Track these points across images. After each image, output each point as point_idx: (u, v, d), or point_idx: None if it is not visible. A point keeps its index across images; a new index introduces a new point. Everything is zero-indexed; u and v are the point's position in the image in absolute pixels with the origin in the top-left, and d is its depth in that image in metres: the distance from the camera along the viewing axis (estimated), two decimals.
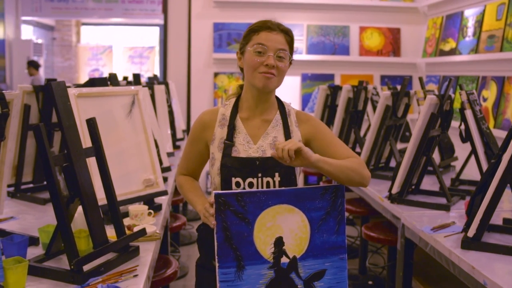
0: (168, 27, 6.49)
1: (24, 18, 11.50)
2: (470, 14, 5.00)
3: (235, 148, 1.87)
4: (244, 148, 1.87)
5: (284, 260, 1.67)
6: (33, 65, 10.29)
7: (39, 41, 12.16)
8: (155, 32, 13.84)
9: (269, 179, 1.84)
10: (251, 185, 1.83)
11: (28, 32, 12.23)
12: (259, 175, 1.84)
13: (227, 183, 1.85)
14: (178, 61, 6.48)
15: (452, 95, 2.97)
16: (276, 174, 1.84)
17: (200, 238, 2.00)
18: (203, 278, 1.98)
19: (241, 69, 1.94)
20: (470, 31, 4.96)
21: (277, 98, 1.98)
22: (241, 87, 1.99)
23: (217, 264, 1.63)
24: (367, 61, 6.34)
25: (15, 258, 1.66)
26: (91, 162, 1.97)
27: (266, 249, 1.66)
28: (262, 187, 1.82)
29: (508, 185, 2.06)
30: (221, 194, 1.64)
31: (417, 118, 2.79)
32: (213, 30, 6.33)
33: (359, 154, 3.69)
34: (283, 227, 1.67)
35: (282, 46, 1.84)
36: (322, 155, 1.79)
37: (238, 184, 1.84)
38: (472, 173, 3.33)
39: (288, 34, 1.88)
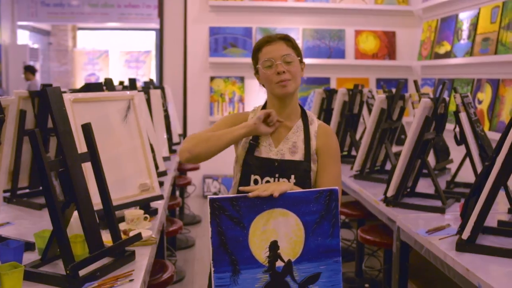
0: (164, 31, 6.50)
1: (20, 23, 11.51)
2: (465, 17, 5.02)
3: (258, 149, 2.02)
4: (266, 150, 2.02)
5: (279, 264, 1.68)
6: (29, 70, 10.29)
7: (35, 46, 12.17)
8: (151, 36, 13.85)
9: (285, 180, 1.96)
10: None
11: (24, 37, 12.23)
12: (276, 175, 1.97)
13: (246, 179, 2.00)
14: (174, 66, 6.49)
15: (447, 98, 2.99)
16: (292, 176, 1.96)
17: None
18: None
19: (263, 85, 2.08)
20: (464, 34, 4.98)
21: (301, 107, 2.10)
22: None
23: (212, 269, 1.64)
24: (363, 64, 6.36)
25: (11, 264, 1.66)
26: (87, 167, 1.97)
27: (261, 253, 1.66)
28: None
29: (502, 187, 2.07)
30: (216, 199, 1.64)
31: (412, 121, 2.80)
32: (209, 34, 6.34)
33: (354, 157, 3.70)
34: (278, 231, 1.67)
35: (285, 51, 1.98)
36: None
37: (256, 181, 1.98)
38: (467, 175, 3.34)
39: (288, 40, 2.01)
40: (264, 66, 1.99)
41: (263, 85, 2.07)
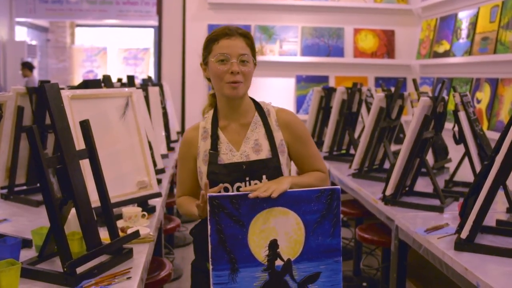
0: (163, 28, 6.48)
1: (18, 19, 11.48)
2: (464, 16, 5.01)
3: (220, 158, 1.90)
4: (228, 157, 1.90)
5: (279, 262, 1.67)
6: (27, 67, 10.26)
7: (33, 42, 12.14)
8: (150, 33, 13.83)
9: (257, 181, 1.87)
10: (239, 189, 1.87)
11: (22, 34, 12.20)
12: (247, 178, 1.88)
13: None
14: (172, 63, 6.47)
15: (446, 97, 2.98)
16: (264, 177, 1.88)
17: (195, 240, 2.02)
18: (198, 280, 2.00)
19: (208, 79, 1.95)
20: (464, 33, 4.97)
21: (252, 100, 2.00)
22: (214, 95, 2.00)
23: (211, 267, 1.63)
24: (362, 63, 6.35)
25: (7, 261, 1.65)
26: (85, 164, 1.96)
27: (260, 251, 1.66)
28: None
29: (501, 186, 2.07)
30: (215, 197, 1.63)
31: (411, 120, 2.79)
32: (207, 32, 6.32)
33: (353, 156, 3.69)
34: (278, 230, 1.66)
35: (243, 50, 1.87)
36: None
37: (226, 189, 1.88)
38: (466, 174, 3.34)
39: (247, 37, 1.90)
40: (217, 60, 1.85)
41: (209, 80, 1.95)
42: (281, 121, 1.96)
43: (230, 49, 1.85)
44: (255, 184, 1.86)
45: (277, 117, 1.96)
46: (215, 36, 1.89)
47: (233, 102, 1.92)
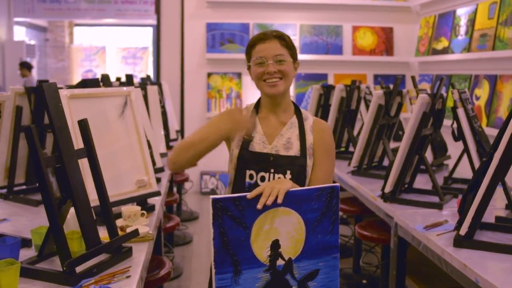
0: (161, 27, 6.48)
1: (16, 19, 11.46)
2: (463, 13, 5.02)
3: (252, 146, 2.01)
4: (259, 147, 2.02)
5: (280, 262, 1.67)
6: (25, 67, 10.25)
7: (32, 42, 12.12)
8: (149, 32, 13.81)
9: (281, 175, 1.96)
10: (263, 179, 1.97)
11: (20, 34, 12.19)
12: (272, 170, 1.97)
13: (241, 174, 2.00)
14: (171, 62, 6.47)
15: (445, 94, 2.98)
16: (288, 172, 1.96)
17: None
18: None
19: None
20: (462, 30, 4.98)
21: (295, 105, 2.11)
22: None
23: (213, 270, 1.62)
24: (360, 60, 6.35)
25: (7, 260, 1.65)
26: (84, 163, 1.96)
27: (262, 252, 1.65)
28: None
29: (500, 183, 2.07)
30: (219, 199, 1.61)
31: (410, 117, 2.79)
32: (206, 30, 6.32)
33: (352, 153, 3.69)
34: (280, 230, 1.66)
35: (278, 51, 1.98)
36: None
37: (251, 177, 1.99)
38: (465, 171, 3.34)
39: (282, 39, 2.00)
40: (255, 63, 1.99)
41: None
42: (315, 126, 2.05)
43: (266, 52, 1.97)
44: (279, 178, 1.95)
45: (313, 123, 2.06)
46: (252, 42, 2.02)
47: (275, 99, 2.03)
